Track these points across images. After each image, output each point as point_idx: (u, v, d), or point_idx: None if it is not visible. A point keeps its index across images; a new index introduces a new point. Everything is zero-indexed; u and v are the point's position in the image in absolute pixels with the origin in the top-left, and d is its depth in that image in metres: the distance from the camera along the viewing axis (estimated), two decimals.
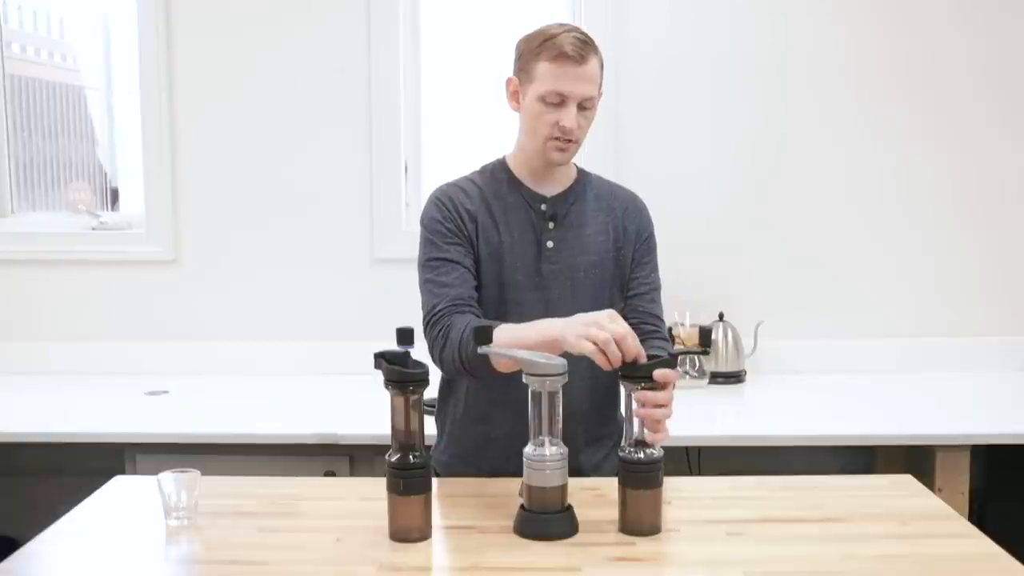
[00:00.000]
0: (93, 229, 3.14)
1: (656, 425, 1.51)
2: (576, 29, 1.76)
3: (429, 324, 1.75)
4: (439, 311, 1.74)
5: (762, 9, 2.97)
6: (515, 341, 1.59)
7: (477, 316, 1.74)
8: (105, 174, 3.28)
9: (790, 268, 3.01)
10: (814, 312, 3.01)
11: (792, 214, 3.01)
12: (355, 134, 3.01)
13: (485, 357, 1.61)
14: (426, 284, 1.79)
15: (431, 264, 1.79)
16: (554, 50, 1.71)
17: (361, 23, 2.97)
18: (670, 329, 2.86)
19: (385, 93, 2.99)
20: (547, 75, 1.72)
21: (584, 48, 1.72)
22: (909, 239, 3.02)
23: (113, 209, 3.23)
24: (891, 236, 3.01)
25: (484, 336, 1.55)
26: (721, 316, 2.90)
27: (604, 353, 1.49)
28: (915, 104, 2.98)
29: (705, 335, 2.82)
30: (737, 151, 3.00)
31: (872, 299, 3.02)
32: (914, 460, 2.41)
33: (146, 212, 3.06)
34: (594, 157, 2.96)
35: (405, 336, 1.50)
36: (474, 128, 3.02)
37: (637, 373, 1.52)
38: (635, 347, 1.51)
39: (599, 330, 1.49)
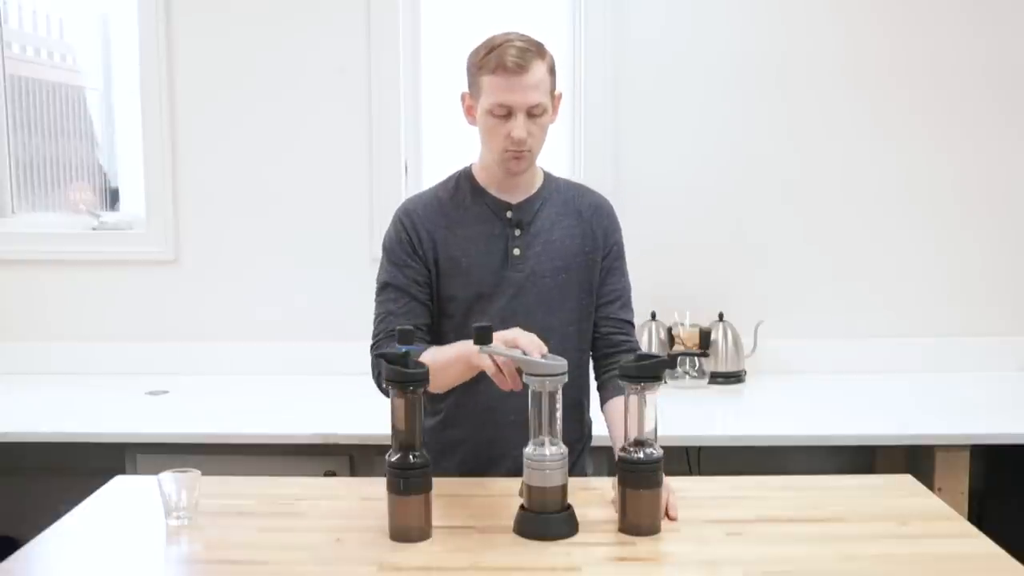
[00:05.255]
0: (93, 229, 3.14)
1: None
2: (520, 37, 1.75)
3: (371, 350, 1.83)
4: (377, 340, 1.82)
5: (761, 9, 2.97)
6: (433, 360, 1.65)
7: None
8: (105, 174, 3.28)
9: (790, 268, 3.01)
10: (814, 312, 3.01)
11: (792, 214, 3.01)
12: (355, 134, 3.01)
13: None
14: (376, 307, 1.86)
15: (382, 287, 1.86)
16: (495, 62, 1.71)
17: (361, 23, 2.97)
18: (670, 329, 2.87)
19: (385, 93, 2.99)
20: (491, 88, 1.72)
21: (524, 56, 1.70)
22: (909, 239, 3.02)
23: (113, 209, 3.23)
24: (891, 236, 3.01)
25: (485, 336, 1.55)
26: (721, 316, 2.90)
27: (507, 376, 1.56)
28: (915, 104, 2.98)
29: (704, 337, 2.83)
30: (737, 150, 3.00)
31: (872, 299, 3.02)
32: (914, 460, 2.41)
33: (146, 212, 3.06)
34: (593, 156, 2.98)
35: (405, 336, 1.51)
36: (474, 128, 3.01)
37: (638, 374, 1.52)
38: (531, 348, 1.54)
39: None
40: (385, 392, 1.59)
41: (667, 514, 1.58)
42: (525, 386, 1.52)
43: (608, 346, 1.89)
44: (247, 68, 3.00)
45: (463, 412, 1.84)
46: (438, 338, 1.82)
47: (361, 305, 3.00)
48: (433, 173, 3.03)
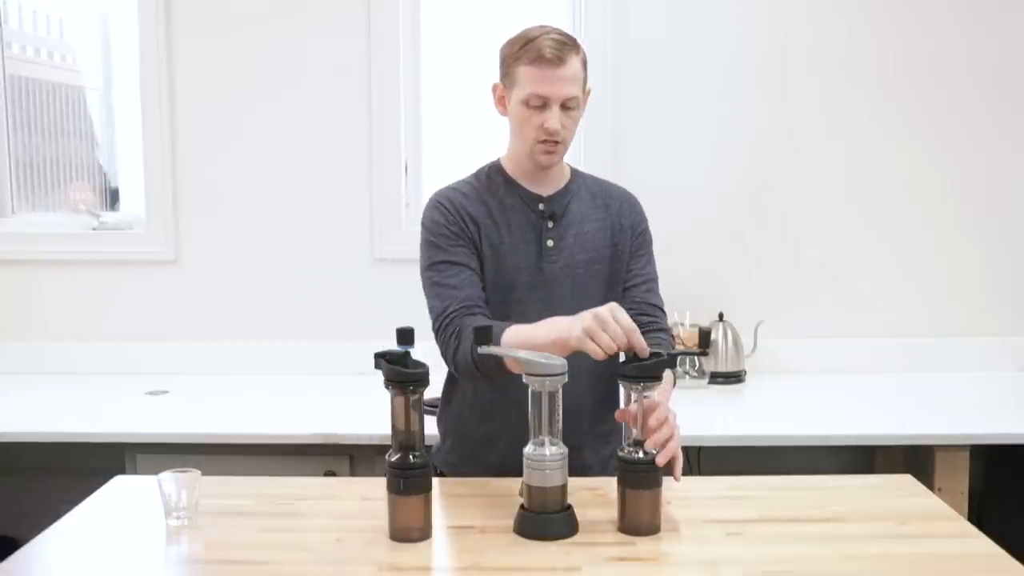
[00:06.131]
0: (93, 229, 3.14)
1: (665, 448, 1.54)
2: (555, 30, 1.76)
3: (441, 327, 1.75)
4: (450, 313, 1.74)
5: (761, 9, 2.97)
6: (525, 341, 1.61)
7: (487, 318, 1.74)
8: (105, 174, 3.28)
9: (790, 268, 3.01)
10: (814, 312, 3.01)
11: (792, 214, 3.01)
12: (355, 134, 3.01)
13: (499, 359, 1.62)
14: (433, 288, 1.79)
15: (437, 267, 1.79)
16: (533, 53, 1.72)
17: (361, 22, 2.98)
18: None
19: (385, 93, 2.99)
20: (528, 79, 1.73)
21: (562, 49, 1.72)
22: (909, 239, 3.02)
23: (113, 209, 3.23)
24: (891, 236, 3.01)
25: (484, 337, 1.55)
26: (721, 316, 2.90)
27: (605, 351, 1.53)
28: (915, 104, 2.98)
29: (704, 337, 2.82)
30: (737, 150, 3.00)
31: (872, 299, 3.02)
32: (914, 460, 2.41)
33: (146, 212, 3.06)
34: (593, 156, 2.98)
35: (405, 336, 1.50)
36: (474, 128, 3.02)
37: (636, 373, 1.52)
38: (635, 344, 1.53)
39: (601, 329, 1.52)
40: (467, 371, 1.69)
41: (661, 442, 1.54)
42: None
43: (638, 326, 1.88)
44: (247, 68, 3.00)
45: (497, 406, 1.83)
46: None
47: (361, 305, 3.04)
48: (433, 173, 3.04)
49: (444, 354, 1.75)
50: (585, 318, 1.56)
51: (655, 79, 2.98)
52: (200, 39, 3.00)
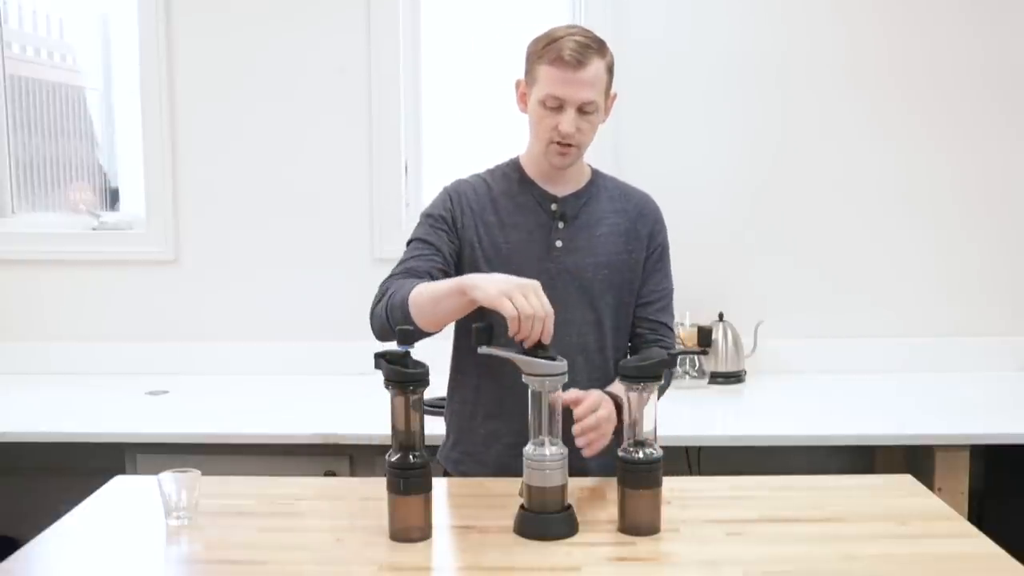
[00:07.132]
0: (93, 229, 3.14)
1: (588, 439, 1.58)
2: (582, 32, 1.76)
3: (378, 290, 1.77)
4: (389, 276, 1.77)
5: (761, 9, 2.97)
6: (434, 291, 1.62)
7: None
8: (105, 174, 3.28)
9: (790, 268, 3.01)
10: (814, 312, 3.01)
11: (792, 214, 3.01)
12: (355, 134, 3.01)
13: (404, 310, 1.64)
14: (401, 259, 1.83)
15: (411, 240, 1.83)
16: (553, 54, 1.72)
17: (361, 22, 2.98)
18: None
19: (385, 93, 2.99)
20: (546, 79, 1.73)
21: (584, 53, 1.71)
22: (909, 239, 3.02)
23: (113, 209, 3.23)
24: (891, 236, 3.01)
25: (484, 337, 1.54)
26: (721, 316, 2.90)
27: (521, 323, 1.49)
28: (914, 104, 2.98)
29: (704, 335, 2.83)
30: (737, 151, 3.00)
31: (872, 299, 3.02)
32: (914, 460, 2.41)
33: (146, 212, 3.06)
34: (593, 156, 2.96)
35: (405, 336, 1.50)
36: (474, 128, 3.02)
37: (638, 374, 1.52)
38: (546, 331, 1.51)
39: (526, 299, 1.50)
40: (378, 325, 1.69)
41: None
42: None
43: (643, 344, 1.89)
44: (247, 68, 3.00)
45: (502, 406, 1.82)
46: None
47: (362, 304, 2.99)
48: (433, 173, 3.04)
49: (371, 309, 1.75)
50: (500, 280, 1.53)
51: (655, 79, 2.98)
52: (200, 39, 3.00)
